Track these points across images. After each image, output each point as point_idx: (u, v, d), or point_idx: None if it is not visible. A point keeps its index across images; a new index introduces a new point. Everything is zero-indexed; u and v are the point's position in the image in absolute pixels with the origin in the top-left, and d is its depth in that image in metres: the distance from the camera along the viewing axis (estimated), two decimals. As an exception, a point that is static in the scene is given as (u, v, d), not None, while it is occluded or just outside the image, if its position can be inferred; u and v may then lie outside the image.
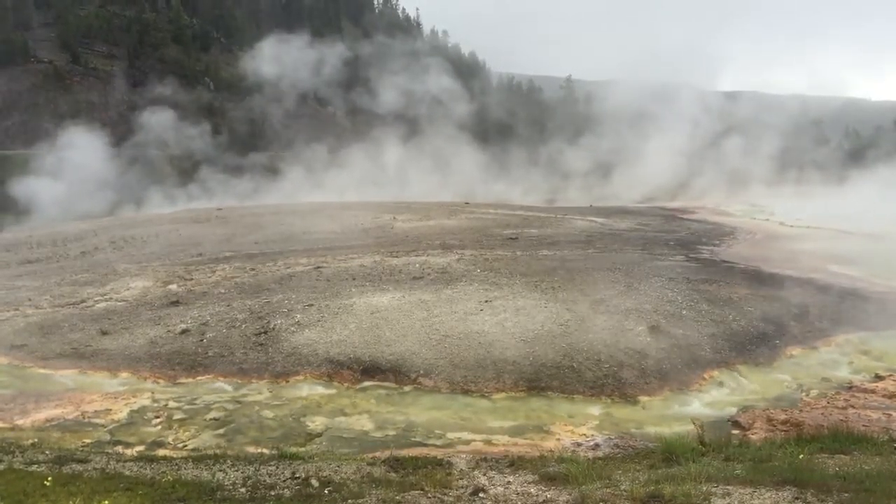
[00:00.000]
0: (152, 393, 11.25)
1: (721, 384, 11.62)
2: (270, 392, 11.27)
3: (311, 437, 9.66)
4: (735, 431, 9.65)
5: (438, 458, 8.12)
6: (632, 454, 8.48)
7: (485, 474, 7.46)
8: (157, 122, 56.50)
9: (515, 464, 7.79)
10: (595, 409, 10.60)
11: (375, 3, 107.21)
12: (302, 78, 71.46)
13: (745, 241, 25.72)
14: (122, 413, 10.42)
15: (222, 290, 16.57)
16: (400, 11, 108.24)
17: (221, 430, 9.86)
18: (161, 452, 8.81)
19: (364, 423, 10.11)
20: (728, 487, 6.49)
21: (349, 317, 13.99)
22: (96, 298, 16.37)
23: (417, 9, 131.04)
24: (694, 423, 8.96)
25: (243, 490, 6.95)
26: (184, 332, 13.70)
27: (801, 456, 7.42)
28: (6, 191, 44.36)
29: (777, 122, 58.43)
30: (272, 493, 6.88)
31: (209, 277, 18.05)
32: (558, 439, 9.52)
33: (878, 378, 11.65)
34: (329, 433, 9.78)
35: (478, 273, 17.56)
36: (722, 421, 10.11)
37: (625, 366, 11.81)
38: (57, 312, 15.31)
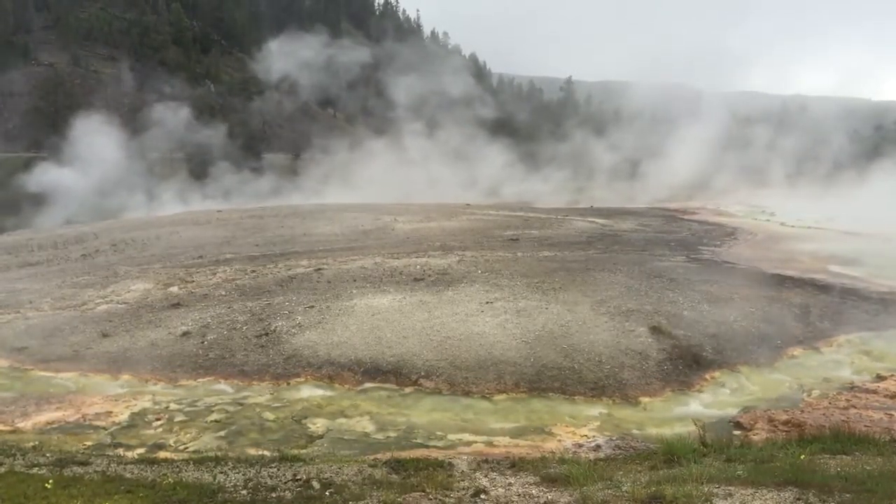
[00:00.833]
0: (153, 395, 11.25)
1: (722, 385, 11.62)
2: (271, 394, 11.26)
3: (312, 439, 9.66)
4: (736, 432, 9.64)
5: (439, 459, 8.11)
6: (633, 455, 8.47)
7: (486, 476, 7.45)
8: (166, 121, 56.26)
9: (517, 465, 7.78)
10: (596, 410, 10.60)
11: (376, 5, 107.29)
12: (317, 80, 71.43)
13: (747, 242, 25.69)
14: (123, 415, 10.42)
15: (223, 293, 16.56)
16: (401, 13, 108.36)
17: (222, 433, 9.86)
18: (162, 455, 8.81)
19: (365, 425, 10.11)
20: (729, 488, 6.48)
21: (350, 318, 13.99)
22: (97, 301, 16.37)
23: (418, 10, 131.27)
24: (695, 424, 8.95)
25: (244, 492, 6.94)
26: (185, 334, 13.70)
27: (802, 456, 7.40)
28: (10, 191, 44.20)
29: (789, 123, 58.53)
30: (273, 495, 6.88)
31: (210, 279, 18.05)
32: (559, 440, 9.51)
33: (880, 378, 11.64)
34: (330, 435, 9.77)
35: (479, 274, 17.56)
36: (723, 422, 10.11)
37: (626, 367, 11.80)
38: (58, 315, 15.32)
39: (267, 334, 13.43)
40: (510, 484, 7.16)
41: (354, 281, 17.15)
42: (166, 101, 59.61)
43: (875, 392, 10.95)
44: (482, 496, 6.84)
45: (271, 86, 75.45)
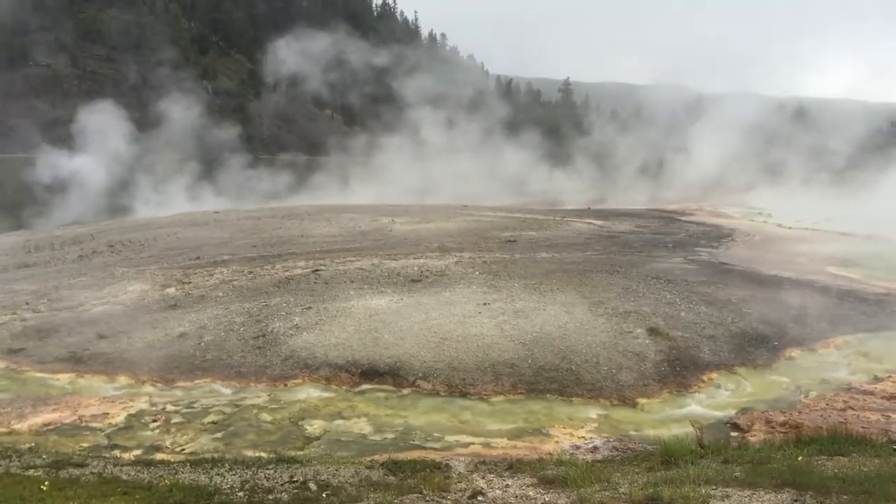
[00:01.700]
0: (150, 397, 11.23)
1: (720, 386, 11.62)
2: (268, 395, 11.24)
3: (309, 440, 9.65)
4: (734, 433, 9.64)
5: (437, 461, 8.11)
6: (630, 457, 8.47)
7: (483, 477, 7.45)
8: (173, 121, 55.80)
9: (514, 467, 7.78)
10: (594, 412, 10.59)
11: (374, 5, 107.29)
12: (328, 79, 71.34)
13: (744, 243, 25.72)
14: (119, 417, 10.39)
15: (220, 294, 16.54)
16: (399, 14, 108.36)
17: (219, 434, 9.84)
18: (159, 456, 8.78)
19: (362, 427, 10.10)
20: (727, 490, 6.48)
21: (347, 320, 13.97)
22: (94, 302, 16.33)
23: (416, 12, 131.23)
24: (693, 426, 8.95)
25: (241, 494, 6.93)
26: (181, 335, 13.68)
27: (799, 458, 7.41)
28: (15, 190, 43.74)
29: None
30: (270, 496, 6.87)
31: (207, 281, 18.03)
32: (557, 442, 9.51)
33: (877, 380, 11.65)
34: (327, 437, 9.76)
35: (476, 275, 17.55)
36: (721, 423, 10.11)
37: (623, 368, 11.80)
38: (54, 316, 15.28)
39: (264, 335, 13.42)
40: (507, 485, 7.16)
41: (352, 282, 17.14)
42: (167, 100, 59.31)
43: (872, 393, 10.95)
44: (479, 498, 6.83)
45: (280, 85, 75.49)
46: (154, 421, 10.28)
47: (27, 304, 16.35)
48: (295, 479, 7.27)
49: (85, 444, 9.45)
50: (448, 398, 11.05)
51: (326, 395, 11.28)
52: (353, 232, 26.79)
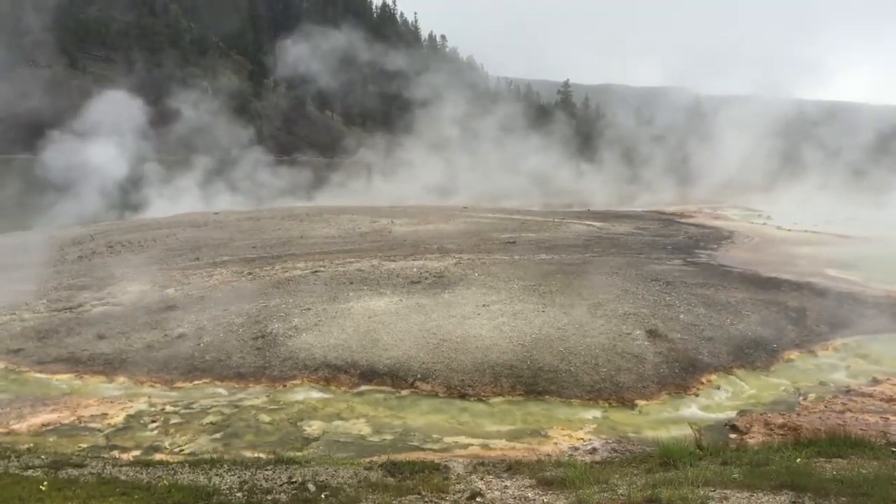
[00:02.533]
0: (149, 397, 11.23)
1: (719, 388, 11.63)
2: (267, 396, 11.24)
3: (308, 441, 9.65)
4: (732, 435, 9.66)
5: (435, 462, 8.10)
6: (629, 458, 8.47)
7: (482, 479, 7.44)
8: (183, 119, 55.39)
9: (513, 468, 7.78)
10: (593, 414, 10.60)
11: (374, 7, 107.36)
12: (341, 80, 71.36)
13: (743, 245, 25.76)
14: (118, 417, 10.39)
15: (219, 295, 16.54)
16: (399, 16, 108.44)
17: (218, 435, 9.84)
18: (157, 457, 8.78)
19: (361, 428, 10.10)
20: (725, 491, 6.48)
21: (346, 321, 13.98)
22: (93, 303, 16.33)
23: (416, 13, 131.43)
24: (692, 428, 8.96)
25: (240, 494, 6.92)
26: (181, 336, 13.68)
27: (798, 460, 7.40)
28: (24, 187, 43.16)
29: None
30: (269, 497, 6.86)
31: (206, 282, 18.03)
32: (556, 443, 9.52)
33: (876, 382, 11.67)
34: (326, 437, 9.76)
35: (475, 277, 17.56)
36: (719, 425, 10.12)
37: (622, 370, 11.81)
38: (54, 317, 15.28)
39: (263, 336, 13.42)
40: (506, 487, 7.16)
41: (351, 283, 17.14)
42: (170, 100, 59.02)
43: (871, 395, 10.97)
44: (478, 499, 6.83)
45: (281, 86, 75.54)
46: (153, 421, 10.28)
47: (26, 304, 16.34)
48: (294, 480, 7.26)
49: (84, 445, 9.44)
50: (447, 399, 11.06)
51: (325, 396, 11.29)
52: (352, 233, 26.80)
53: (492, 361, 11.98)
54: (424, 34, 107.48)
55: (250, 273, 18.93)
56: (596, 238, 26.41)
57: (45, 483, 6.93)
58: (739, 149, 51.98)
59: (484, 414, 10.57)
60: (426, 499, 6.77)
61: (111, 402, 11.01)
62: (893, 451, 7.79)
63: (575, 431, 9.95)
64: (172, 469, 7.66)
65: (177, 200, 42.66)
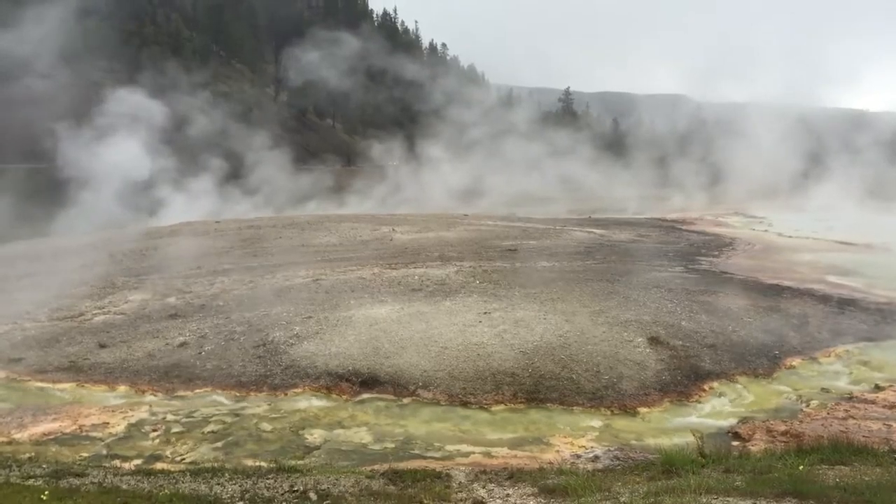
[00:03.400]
0: (150, 406, 11.21)
1: (721, 395, 11.60)
2: (269, 405, 11.23)
3: (309, 449, 9.63)
4: (735, 443, 9.63)
5: (437, 470, 8.09)
6: (631, 466, 8.45)
7: (484, 487, 7.43)
8: (195, 125, 55.09)
9: (514, 476, 7.76)
10: (594, 421, 10.57)
11: (374, 16, 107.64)
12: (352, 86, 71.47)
13: (745, 252, 25.73)
14: (119, 426, 10.38)
15: (221, 303, 16.54)
16: (399, 24, 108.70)
17: (219, 444, 9.82)
18: (159, 466, 8.77)
19: (362, 436, 10.08)
20: (728, 499, 6.46)
21: (348, 329, 13.97)
22: (94, 311, 16.34)
23: (416, 21, 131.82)
24: (694, 435, 8.95)
25: (241, 503, 6.91)
26: (182, 344, 13.68)
27: (800, 467, 7.39)
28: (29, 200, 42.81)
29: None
30: (270, 506, 6.85)
31: (208, 290, 18.03)
32: (558, 451, 9.49)
33: (878, 389, 11.63)
34: (327, 446, 9.75)
35: (476, 285, 17.56)
36: (722, 432, 10.09)
37: (624, 377, 11.79)
38: (55, 326, 15.29)
39: (264, 345, 13.41)
40: (508, 495, 7.14)
41: (352, 291, 17.14)
42: (175, 107, 58.82)
43: (874, 402, 10.93)
44: (480, 507, 6.82)
45: (282, 94, 75.67)
46: (154, 430, 10.27)
47: (28, 313, 16.34)
48: (295, 489, 7.25)
49: (85, 454, 9.44)
50: (448, 407, 11.04)
51: (327, 404, 11.27)
52: (353, 241, 26.81)
53: (493, 369, 11.97)
54: (425, 43, 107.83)
55: (251, 281, 18.94)
56: (597, 245, 26.40)
57: (46, 492, 6.93)
58: (763, 156, 52.02)
59: (486, 422, 10.55)
60: (428, 507, 6.75)
61: (112, 410, 11.00)
62: (896, 458, 7.77)
63: (577, 439, 9.92)
64: (174, 478, 7.65)
65: (193, 205, 42.27)
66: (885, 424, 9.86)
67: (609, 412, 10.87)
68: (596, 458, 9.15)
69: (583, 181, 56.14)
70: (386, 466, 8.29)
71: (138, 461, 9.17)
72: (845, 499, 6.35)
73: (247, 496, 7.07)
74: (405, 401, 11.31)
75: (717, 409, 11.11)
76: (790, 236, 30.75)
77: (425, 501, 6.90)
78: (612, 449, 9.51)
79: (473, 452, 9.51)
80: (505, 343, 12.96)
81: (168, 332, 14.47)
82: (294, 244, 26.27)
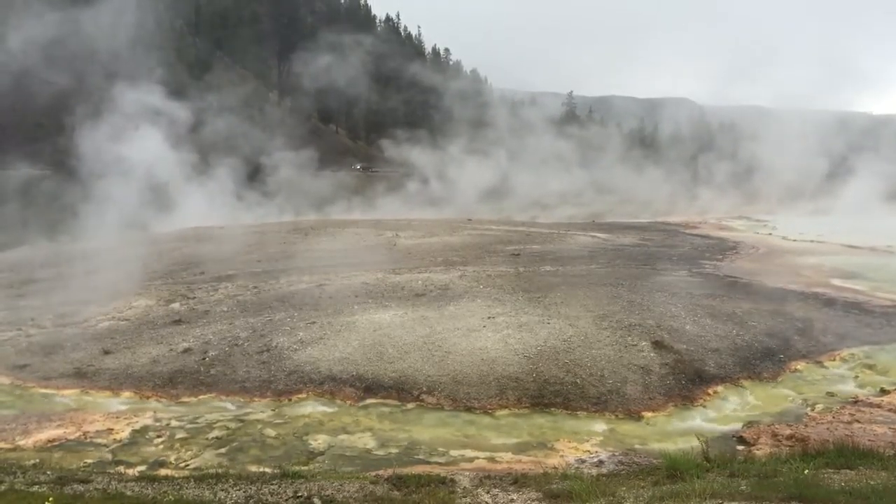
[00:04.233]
0: (154, 412, 11.22)
1: (725, 399, 11.57)
2: (273, 410, 11.23)
3: (313, 455, 9.62)
4: (740, 447, 9.61)
5: (441, 475, 8.06)
6: (636, 471, 8.42)
7: (488, 492, 7.41)
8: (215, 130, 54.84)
9: (519, 481, 7.74)
10: (599, 426, 10.55)
11: (377, 22, 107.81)
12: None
13: (749, 256, 25.70)
14: (124, 433, 10.38)
15: (225, 309, 16.56)
16: (402, 29, 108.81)
17: (223, 450, 9.82)
18: (163, 472, 8.77)
19: (367, 441, 10.07)
20: (733, 503, 6.44)
21: (351, 334, 13.97)
22: (99, 318, 16.37)
23: (419, 27, 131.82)
24: (698, 439, 8.91)
25: (245, 509, 6.91)
26: (186, 350, 13.69)
27: (806, 471, 7.35)
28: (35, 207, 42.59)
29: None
30: (274, 512, 6.84)
31: (211, 296, 18.06)
32: (562, 456, 9.47)
33: (884, 392, 11.60)
34: (331, 451, 9.74)
35: (480, 289, 17.54)
36: (727, 437, 10.07)
37: (628, 381, 11.76)
38: (59, 332, 15.31)
39: (268, 350, 13.41)
40: (512, 500, 7.12)
41: (356, 296, 17.14)
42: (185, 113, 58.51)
43: (879, 406, 10.90)
44: (484, 513, 6.80)
45: (285, 100, 75.68)
46: (158, 436, 10.27)
47: (32, 319, 16.39)
48: (299, 495, 7.24)
49: (89, 460, 9.45)
50: (453, 412, 11.02)
51: (331, 409, 11.27)
52: (357, 246, 26.84)
53: (497, 374, 11.95)
54: (428, 48, 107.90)
55: (255, 287, 18.96)
56: (601, 249, 26.38)
57: (50, 499, 6.93)
58: (788, 160, 52.18)
59: (490, 427, 10.53)
60: (432, 513, 6.74)
61: (117, 417, 11.01)
62: (902, 462, 7.73)
63: (581, 444, 9.90)
64: (178, 484, 7.64)
65: (210, 209, 41.89)
66: (890, 428, 9.83)
67: (613, 416, 10.85)
68: (600, 463, 9.12)
69: (612, 182, 56.39)
70: (390, 472, 8.27)
71: (142, 467, 9.16)
72: (851, 503, 6.32)
73: (251, 502, 7.06)
74: (409, 406, 11.29)
75: (721, 414, 11.08)
76: (794, 240, 30.70)
77: (429, 507, 6.88)
78: (616, 453, 9.49)
79: (478, 457, 9.49)
80: (509, 348, 12.94)
81: (172, 338, 14.49)
82: (298, 249, 26.32)
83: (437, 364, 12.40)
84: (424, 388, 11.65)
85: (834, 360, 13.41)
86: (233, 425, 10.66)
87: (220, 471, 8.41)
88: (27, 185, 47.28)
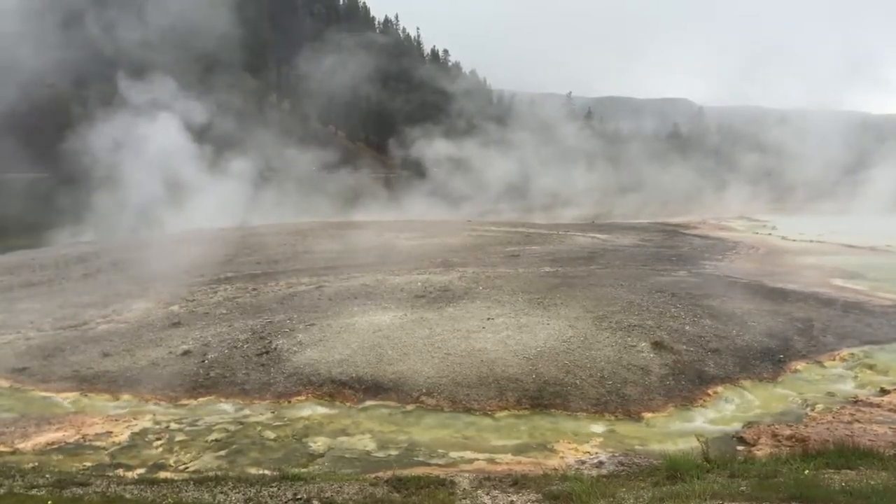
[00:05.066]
0: (153, 415, 11.21)
1: (725, 400, 11.55)
2: (272, 412, 11.22)
3: (312, 457, 9.61)
4: (740, 447, 9.59)
5: (441, 477, 8.05)
6: (636, 472, 8.41)
7: (488, 493, 7.40)
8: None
9: (519, 483, 7.73)
10: (599, 427, 10.53)
11: (376, 23, 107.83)
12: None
13: (748, 256, 25.69)
14: (123, 435, 10.37)
15: (224, 311, 16.56)
16: (401, 31, 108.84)
17: (223, 452, 9.81)
18: (162, 475, 8.76)
19: (366, 443, 10.06)
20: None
21: (351, 336, 13.96)
22: (98, 320, 16.36)
23: (418, 28, 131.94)
24: (698, 440, 8.90)
25: (244, 512, 6.90)
26: (185, 353, 13.67)
27: (806, 472, 7.35)
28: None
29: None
30: (273, 514, 6.83)
31: (211, 298, 18.05)
32: (562, 457, 9.46)
33: (884, 392, 11.59)
34: (331, 453, 9.72)
35: (480, 290, 17.54)
36: (727, 437, 10.05)
37: (628, 382, 11.75)
38: (58, 335, 15.30)
39: (268, 352, 13.40)
40: (512, 501, 7.12)
41: (356, 298, 17.14)
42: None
43: (879, 406, 10.89)
44: (484, 514, 6.79)
45: (285, 102, 75.66)
46: (157, 439, 10.25)
47: (31, 322, 16.38)
48: (299, 497, 7.23)
49: (88, 463, 9.43)
50: (452, 414, 11.01)
51: (330, 411, 11.25)
52: (356, 248, 26.84)
53: (497, 375, 11.94)
54: (426, 49, 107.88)
55: (255, 289, 18.96)
56: (600, 250, 26.38)
57: (49, 502, 6.93)
58: (808, 162, 52.26)
59: (489, 428, 10.52)
60: (432, 515, 6.73)
61: (116, 420, 10.99)
62: (903, 462, 7.72)
63: (581, 445, 9.88)
64: (177, 487, 7.64)
65: (210, 209, 41.45)
66: (891, 428, 9.82)
67: (613, 417, 10.83)
68: (600, 464, 9.11)
69: (639, 181, 56.60)
70: (390, 473, 8.27)
71: (142, 470, 9.16)
72: (851, 503, 6.31)
73: (250, 504, 7.06)
74: (409, 407, 11.28)
75: (721, 414, 11.06)
76: (794, 240, 30.70)
77: (429, 509, 6.87)
78: (616, 454, 9.48)
79: (477, 459, 9.48)
80: (508, 349, 12.93)
81: (171, 340, 14.48)
82: (297, 251, 26.33)
83: (436, 365, 12.39)
84: (424, 390, 11.64)
85: (834, 360, 13.40)
86: (232, 428, 10.65)
87: (219, 473, 8.41)
88: (29, 188, 47.20)
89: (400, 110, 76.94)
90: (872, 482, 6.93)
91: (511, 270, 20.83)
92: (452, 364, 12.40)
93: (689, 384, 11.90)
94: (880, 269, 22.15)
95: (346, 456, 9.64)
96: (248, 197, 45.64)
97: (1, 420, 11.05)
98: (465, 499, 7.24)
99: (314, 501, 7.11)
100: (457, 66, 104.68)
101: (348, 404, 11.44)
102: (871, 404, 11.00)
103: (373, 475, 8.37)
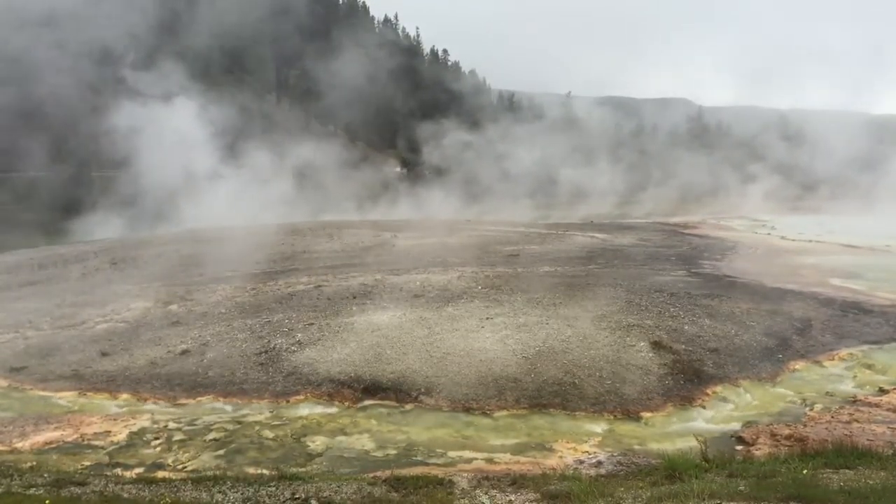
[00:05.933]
0: (152, 414, 11.20)
1: (724, 399, 11.55)
2: (271, 412, 11.21)
3: (311, 457, 9.60)
4: (738, 447, 9.59)
5: (440, 477, 8.05)
6: (635, 471, 8.41)
7: (486, 493, 7.39)
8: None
9: (517, 482, 7.73)
10: (597, 426, 10.53)
11: (375, 23, 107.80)
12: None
13: (747, 256, 25.69)
14: (121, 435, 10.36)
15: (223, 310, 16.54)
16: (401, 31, 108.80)
17: (221, 451, 9.80)
18: (160, 474, 8.74)
19: (365, 443, 10.05)
20: (732, 503, 6.43)
21: (350, 335, 13.95)
22: (97, 320, 16.34)
23: (417, 28, 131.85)
24: (697, 440, 8.91)
25: (242, 511, 6.89)
26: (184, 352, 13.66)
27: (805, 471, 7.35)
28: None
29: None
30: (271, 514, 6.83)
31: (210, 297, 18.04)
32: (561, 457, 9.45)
33: (883, 392, 11.59)
34: (329, 453, 9.71)
35: (478, 290, 17.54)
36: (725, 437, 10.04)
37: (627, 382, 11.75)
38: (57, 334, 15.29)
39: (266, 352, 13.39)
40: (511, 501, 7.12)
41: (354, 298, 17.13)
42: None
43: (878, 405, 10.89)
44: (482, 514, 6.79)
45: (286, 104, 75.59)
46: (156, 439, 10.24)
47: (30, 322, 16.36)
48: (297, 496, 7.23)
49: (86, 463, 9.42)
50: (451, 413, 11.00)
51: (329, 411, 11.24)
52: (355, 247, 26.83)
53: (496, 375, 11.93)
54: (426, 49, 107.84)
55: (253, 288, 18.95)
56: (599, 250, 26.38)
57: (47, 501, 6.92)
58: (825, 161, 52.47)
59: (488, 428, 10.51)
60: (430, 514, 6.73)
61: (114, 419, 10.98)
62: (901, 462, 7.72)
63: (580, 445, 9.88)
64: (175, 486, 7.63)
65: (211, 210, 41.20)
66: (889, 428, 9.82)
67: (612, 417, 10.83)
68: (599, 464, 9.11)
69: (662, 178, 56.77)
70: (388, 473, 8.26)
71: (140, 470, 9.14)
72: (850, 503, 6.31)
73: (248, 504, 7.05)
74: (407, 407, 11.27)
75: (720, 414, 11.06)
76: (793, 239, 30.71)
77: (427, 508, 6.87)
78: (615, 454, 9.47)
79: (476, 459, 9.47)
80: (507, 348, 12.92)
81: (170, 339, 14.46)
82: (296, 251, 26.32)
83: (435, 365, 12.38)
84: (423, 390, 11.63)
85: (833, 359, 13.39)
86: (230, 427, 10.64)
87: (217, 473, 8.40)
88: (31, 187, 47.17)
89: (403, 109, 76.92)
90: (871, 482, 6.94)
91: (510, 270, 20.82)
92: (451, 364, 12.39)
93: (687, 384, 11.89)
94: (879, 269, 22.15)
95: (345, 455, 9.64)
96: (249, 198, 45.64)
97: (-1, 419, 11.03)
98: (463, 498, 7.24)
99: (312, 501, 7.10)
100: (456, 65, 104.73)
101: (347, 404, 11.43)
102: (869, 404, 11.00)
103: (371, 475, 8.37)
